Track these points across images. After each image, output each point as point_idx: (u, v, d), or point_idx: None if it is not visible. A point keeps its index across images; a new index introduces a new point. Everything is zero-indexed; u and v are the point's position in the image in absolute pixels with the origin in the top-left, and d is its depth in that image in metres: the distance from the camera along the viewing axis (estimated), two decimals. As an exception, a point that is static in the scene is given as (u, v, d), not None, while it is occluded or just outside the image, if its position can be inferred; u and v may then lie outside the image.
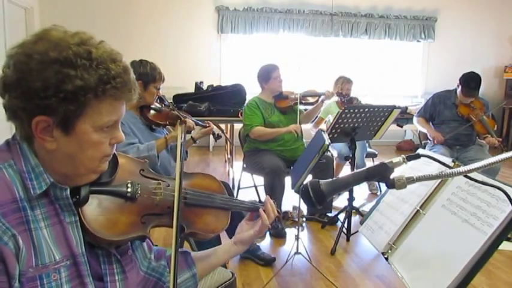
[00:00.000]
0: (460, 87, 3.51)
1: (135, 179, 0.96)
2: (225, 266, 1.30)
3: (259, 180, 3.26)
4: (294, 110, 3.37)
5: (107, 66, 0.78)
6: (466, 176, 0.90)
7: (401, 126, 5.77)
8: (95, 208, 0.86)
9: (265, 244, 2.93)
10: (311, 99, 3.58)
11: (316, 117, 3.86)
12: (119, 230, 0.87)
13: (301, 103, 3.38)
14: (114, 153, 0.93)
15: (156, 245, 1.16)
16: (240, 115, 4.44)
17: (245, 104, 3.40)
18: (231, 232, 1.18)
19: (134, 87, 0.84)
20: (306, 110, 3.64)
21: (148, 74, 2.26)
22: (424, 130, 3.73)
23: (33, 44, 0.76)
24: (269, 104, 3.36)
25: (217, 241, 2.02)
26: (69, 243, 0.81)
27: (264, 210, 1.14)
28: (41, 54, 0.74)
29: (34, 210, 0.78)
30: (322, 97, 3.51)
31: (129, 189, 0.91)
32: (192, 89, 5.13)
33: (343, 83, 4.22)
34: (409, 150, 6.73)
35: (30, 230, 0.76)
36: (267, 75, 3.33)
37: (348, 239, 2.98)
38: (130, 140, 2.11)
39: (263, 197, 3.22)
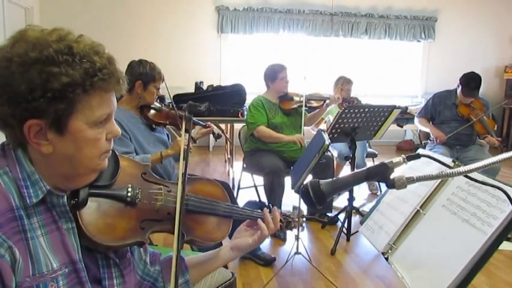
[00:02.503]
0: (460, 87, 3.51)
1: (136, 183, 0.93)
2: (225, 266, 1.30)
3: (259, 180, 3.25)
4: (298, 112, 3.35)
5: (90, 59, 0.75)
6: (466, 176, 0.89)
7: (402, 126, 5.77)
8: (93, 212, 0.84)
9: (265, 244, 2.93)
10: (315, 103, 3.54)
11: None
12: (116, 235, 0.85)
13: (305, 106, 3.35)
14: (116, 156, 0.92)
15: (156, 245, 1.16)
16: (239, 115, 4.44)
17: (250, 102, 3.35)
18: (231, 235, 1.17)
19: (122, 77, 0.81)
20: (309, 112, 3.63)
21: (147, 73, 2.26)
22: (426, 130, 3.72)
23: (11, 47, 0.73)
24: (273, 104, 3.34)
25: (218, 243, 2.02)
26: (68, 250, 0.79)
27: (264, 220, 1.12)
28: (21, 56, 0.72)
29: (30, 218, 0.75)
30: (327, 101, 3.50)
31: (129, 194, 0.89)
32: (192, 89, 5.13)
33: (343, 83, 4.22)
34: (409, 150, 6.73)
35: (27, 239, 0.74)
36: (274, 75, 3.31)
37: (348, 239, 2.98)
38: (125, 149, 2.10)
39: (263, 197, 3.22)
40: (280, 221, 1.20)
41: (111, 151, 0.87)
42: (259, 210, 1.16)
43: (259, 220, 1.12)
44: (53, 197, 0.79)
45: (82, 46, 0.76)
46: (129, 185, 0.91)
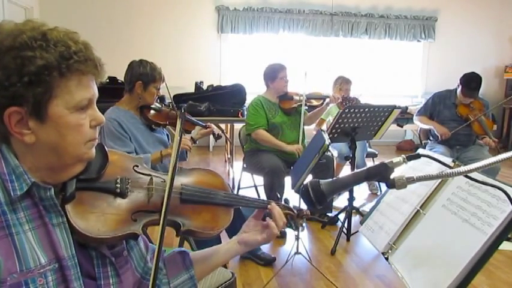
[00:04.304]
0: (460, 87, 3.52)
1: (127, 175, 0.92)
2: (225, 266, 1.30)
3: (259, 180, 3.26)
4: (298, 112, 3.35)
5: (65, 43, 0.76)
6: (466, 176, 0.90)
7: (402, 126, 5.78)
8: (81, 205, 0.83)
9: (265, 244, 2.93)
10: (315, 102, 3.54)
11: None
12: (107, 228, 0.83)
13: (305, 105, 3.35)
14: (105, 150, 0.91)
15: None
16: (240, 115, 4.44)
17: (250, 103, 3.35)
18: (231, 232, 1.16)
19: (99, 62, 0.81)
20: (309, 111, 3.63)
21: (148, 74, 2.25)
22: (428, 127, 3.71)
23: None
24: (273, 104, 3.34)
25: (217, 241, 2.02)
26: (54, 246, 0.78)
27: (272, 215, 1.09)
28: None
29: (17, 213, 0.75)
30: (327, 100, 3.50)
31: (118, 185, 0.88)
32: (192, 89, 5.13)
33: (342, 83, 4.22)
34: (409, 150, 6.73)
35: (12, 234, 0.73)
36: (273, 74, 3.30)
37: (348, 239, 2.98)
38: (126, 149, 2.10)
39: (263, 196, 3.22)
40: (291, 210, 1.18)
41: (97, 140, 0.86)
42: (264, 200, 1.14)
43: (270, 221, 1.09)
44: (40, 189, 0.78)
45: (56, 33, 0.77)
46: (118, 177, 0.90)
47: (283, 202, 1.18)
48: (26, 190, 0.76)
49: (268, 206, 1.10)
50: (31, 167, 0.78)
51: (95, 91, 0.82)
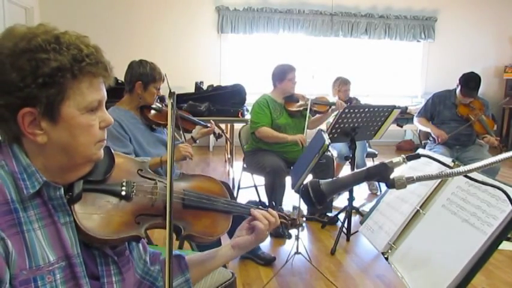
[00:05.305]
0: (459, 87, 3.52)
1: (132, 178, 0.94)
2: (225, 266, 1.30)
3: (260, 180, 3.26)
4: (303, 115, 3.34)
5: (77, 46, 0.78)
6: (466, 176, 0.90)
7: (401, 126, 5.78)
8: (87, 206, 0.85)
9: (265, 244, 2.93)
10: (320, 108, 3.52)
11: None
12: (111, 229, 0.85)
13: (310, 109, 3.34)
14: (111, 153, 0.93)
15: (156, 245, 1.15)
16: (240, 115, 4.44)
17: (256, 101, 3.33)
18: (232, 235, 1.16)
19: (109, 65, 0.84)
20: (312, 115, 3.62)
21: (148, 74, 2.25)
22: (426, 129, 3.73)
23: (0, 43, 0.77)
24: (279, 104, 3.33)
25: (217, 242, 2.02)
26: (63, 244, 0.80)
27: (260, 219, 1.09)
28: (10, 48, 0.75)
29: (27, 211, 0.76)
30: (332, 107, 3.50)
31: (123, 188, 0.90)
32: (192, 89, 5.13)
33: (341, 84, 4.22)
34: (409, 150, 6.73)
35: (23, 232, 0.75)
36: (282, 75, 3.30)
37: (348, 239, 2.98)
38: (124, 150, 2.10)
39: (263, 196, 3.23)
40: (285, 218, 1.19)
41: (105, 141, 0.88)
42: (261, 207, 1.15)
43: (256, 222, 1.09)
44: (50, 189, 0.79)
45: (68, 36, 0.79)
46: (124, 180, 0.92)
47: (277, 210, 1.19)
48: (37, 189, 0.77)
49: (251, 210, 1.11)
50: (41, 167, 0.80)
51: (104, 93, 0.85)
